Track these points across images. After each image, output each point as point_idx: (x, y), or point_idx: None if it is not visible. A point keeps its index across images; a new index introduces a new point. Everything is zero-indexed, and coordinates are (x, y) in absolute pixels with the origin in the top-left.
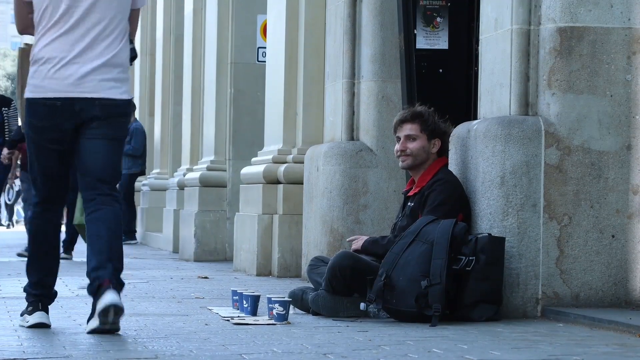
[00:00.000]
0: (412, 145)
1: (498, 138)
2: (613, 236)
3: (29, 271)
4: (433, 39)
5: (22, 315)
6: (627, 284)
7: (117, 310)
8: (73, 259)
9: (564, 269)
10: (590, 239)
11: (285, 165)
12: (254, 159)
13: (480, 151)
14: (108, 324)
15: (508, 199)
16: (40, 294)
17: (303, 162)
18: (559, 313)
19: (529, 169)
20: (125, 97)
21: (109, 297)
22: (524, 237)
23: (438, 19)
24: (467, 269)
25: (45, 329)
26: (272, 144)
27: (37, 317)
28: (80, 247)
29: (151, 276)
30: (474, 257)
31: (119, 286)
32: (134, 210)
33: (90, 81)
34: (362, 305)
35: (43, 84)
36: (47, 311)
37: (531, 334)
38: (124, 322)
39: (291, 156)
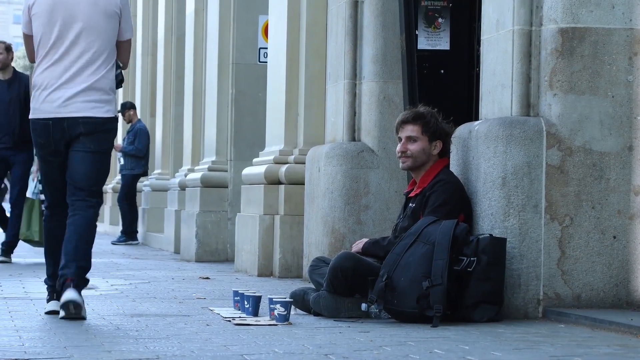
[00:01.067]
0: (413, 147)
1: (499, 139)
2: (614, 237)
3: (47, 263)
4: (434, 40)
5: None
6: (629, 284)
7: (75, 305)
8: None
9: (565, 269)
10: (591, 240)
11: (286, 165)
12: (255, 160)
13: (481, 152)
14: (72, 314)
15: (509, 200)
16: (54, 284)
17: (304, 163)
18: (560, 314)
19: (531, 170)
20: (107, 115)
21: (68, 294)
22: (525, 238)
23: (439, 20)
24: (468, 269)
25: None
26: (274, 145)
27: (51, 305)
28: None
29: (152, 277)
30: (475, 258)
31: (82, 283)
32: (135, 211)
33: (74, 103)
34: (364, 306)
35: (39, 107)
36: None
37: (532, 335)
38: (126, 323)
39: (292, 157)
